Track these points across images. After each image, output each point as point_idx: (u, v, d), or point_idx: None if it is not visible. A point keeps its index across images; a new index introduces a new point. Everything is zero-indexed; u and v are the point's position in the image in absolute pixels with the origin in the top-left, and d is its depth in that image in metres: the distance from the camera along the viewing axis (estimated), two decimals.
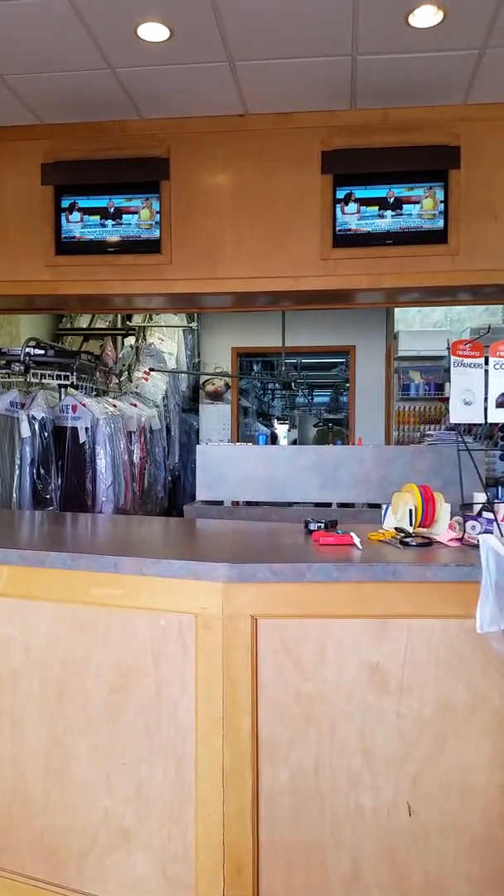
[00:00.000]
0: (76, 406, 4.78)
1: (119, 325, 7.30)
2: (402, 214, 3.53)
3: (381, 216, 3.54)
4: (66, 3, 2.75)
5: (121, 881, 2.03)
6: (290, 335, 7.54)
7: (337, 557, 1.96)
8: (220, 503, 4.80)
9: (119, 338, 7.30)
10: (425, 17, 2.83)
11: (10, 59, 3.15)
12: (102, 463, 4.82)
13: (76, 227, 3.74)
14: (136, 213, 3.70)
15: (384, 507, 2.40)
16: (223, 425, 8.53)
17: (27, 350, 4.73)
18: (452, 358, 2.19)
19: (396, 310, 7.28)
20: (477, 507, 2.24)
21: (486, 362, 2.18)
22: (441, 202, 3.50)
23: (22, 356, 4.70)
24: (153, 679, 1.99)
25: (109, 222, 3.72)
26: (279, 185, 3.64)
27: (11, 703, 2.13)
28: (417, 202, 3.52)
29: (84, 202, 3.73)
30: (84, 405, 4.80)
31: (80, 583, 2.03)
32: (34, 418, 4.55)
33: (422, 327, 7.36)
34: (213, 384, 8.49)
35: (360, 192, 3.55)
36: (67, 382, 4.97)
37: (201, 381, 8.49)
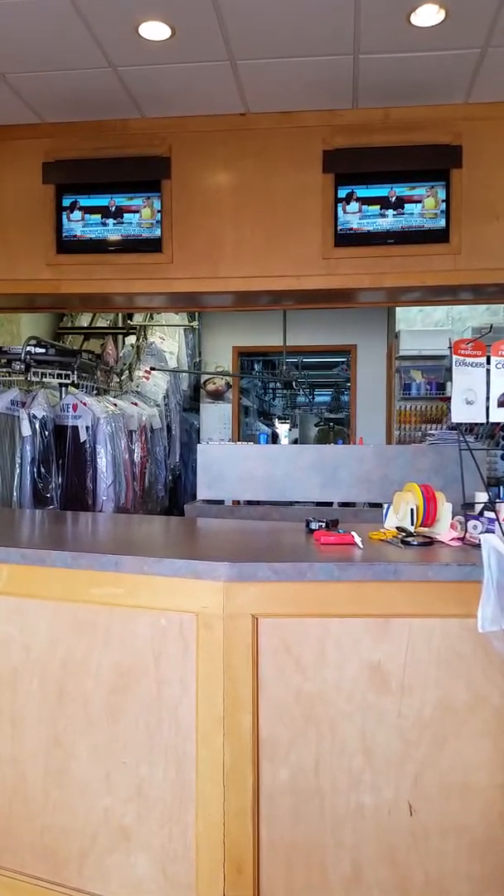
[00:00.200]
0: (77, 405, 4.78)
1: (120, 324, 7.30)
2: (403, 214, 3.52)
3: (383, 215, 3.54)
4: (67, 2, 2.75)
5: (121, 881, 2.03)
6: (292, 334, 7.53)
7: (338, 557, 1.95)
8: (221, 502, 4.80)
9: (120, 337, 7.30)
10: (427, 16, 2.82)
11: (12, 57, 3.15)
12: (103, 462, 4.82)
13: (77, 225, 3.74)
14: (137, 212, 3.69)
15: (385, 506, 2.40)
16: (224, 424, 8.53)
17: (28, 349, 4.73)
18: (454, 357, 2.19)
19: (398, 309, 7.28)
20: (478, 507, 2.24)
21: (488, 361, 2.18)
22: (443, 201, 3.50)
23: (23, 355, 4.70)
24: (154, 678, 1.98)
25: (110, 221, 3.71)
26: (280, 184, 3.64)
27: (11, 702, 2.13)
28: (419, 201, 3.51)
29: (85, 201, 3.72)
30: (85, 404, 4.80)
31: (81, 582, 2.03)
32: (35, 417, 4.55)
33: (423, 326, 7.35)
34: (214, 383, 8.49)
35: (361, 192, 3.55)
36: (68, 381, 4.97)
37: (202, 381, 8.48)
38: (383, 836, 1.90)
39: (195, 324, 7.99)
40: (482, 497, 2.30)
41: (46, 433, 4.61)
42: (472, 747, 1.88)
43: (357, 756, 1.91)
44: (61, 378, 4.94)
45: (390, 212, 3.53)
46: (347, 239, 3.57)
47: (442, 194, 3.50)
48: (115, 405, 5.31)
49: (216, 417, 8.56)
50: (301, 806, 1.92)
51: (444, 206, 3.50)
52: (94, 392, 5.41)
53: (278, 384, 11.59)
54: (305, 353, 9.20)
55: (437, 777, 1.89)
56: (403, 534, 2.19)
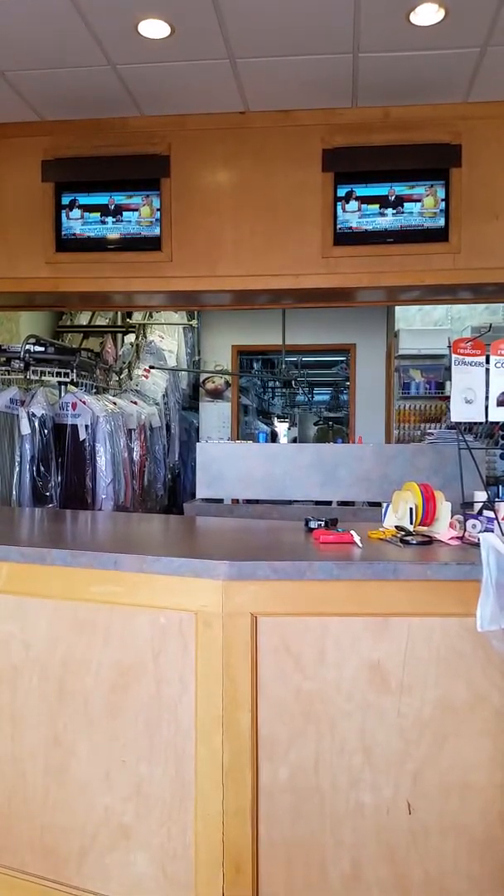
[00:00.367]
0: (76, 403, 4.77)
1: (119, 323, 7.29)
2: (403, 213, 3.52)
3: (382, 214, 3.53)
4: (66, 1, 2.75)
5: (121, 879, 2.03)
6: (291, 333, 7.53)
7: (337, 555, 1.95)
8: (220, 501, 4.80)
9: (119, 335, 7.29)
10: (427, 14, 2.82)
11: (11, 56, 3.14)
12: (102, 460, 4.82)
13: (76, 224, 3.73)
14: (136, 210, 3.69)
15: (384, 505, 2.40)
16: (223, 423, 8.53)
17: (27, 347, 4.73)
18: (453, 356, 2.19)
19: (397, 308, 7.28)
20: (477, 506, 2.24)
21: (487, 361, 2.18)
22: (442, 200, 3.50)
23: (22, 353, 4.70)
24: (153, 677, 1.98)
25: (110, 219, 3.71)
26: (280, 182, 3.64)
27: (11, 700, 2.13)
28: (418, 200, 3.51)
29: (84, 199, 3.72)
30: (84, 402, 4.80)
31: (81, 580, 2.03)
32: (34, 415, 4.54)
33: (422, 326, 7.36)
34: (214, 382, 8.48)
35: (361, 191, 3.54)
36: (67, 380, 4.96)
37: (201, 379, 8.48)
38: (383, 835, 1.91)
39: (194, 322, 7.99)
40: (481, 496, 2.30)
41: (46, 431, 4.61)
42: (472, 746, 1.89)
43: (356, 755, 1.91)
44: (60, 376, 4.94)
45: (390, 211, 3.53)
46: (347, 238, 3.56)
47: (441, 193, 3.50)
48: (115, 404, 5.30)
49: (215, 416, 8.55)
50: (300, 805, 1.92)
51: (443, 205, 3.50)
52: (94, 390, 5.41)
53: (277, 383, 11.58)
54: (304, 351, 9.20)
55: (436, 776, 1.89)
56: (402, 533, 2.19)
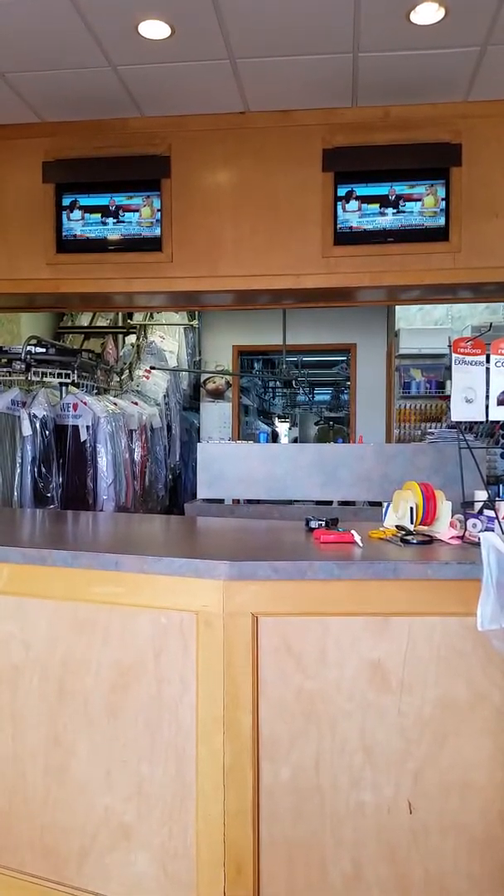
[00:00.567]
0: (77, 404, 4.77)
1: (120, 324, 7.30)
2: (403, 212, 3.52)
3: (383, 214, 3.53)
4: (66, 1, 2.75)
5: (121, 879, 2.03)
6: (291, 333, 7.53)
7: (338, 555, 1.95)
8: (221, 501, 4.81)
9: (120, 336, 7.30)
10: (427, 14, 2.82)
11: (11, 57, 3.14)
12: (103, 461, 4.82)
13: (77, 225, 3.74)
14: (136, 211, 3.69)
15: (385, 504, 2.40)
16: (224, 423, 8.53)
17: (28, 348, 4.73)
18: (454, 355, 2.19)
19: (397, 307, 7.27)
20: (478, 505, 2.24)
21: (488, 360, 2.18)
22: (442, 200, 3.50)
23: (23, 354, 4.70)
24: (154, 677, 1.98)
25: (110, 220, 3.71)
26: (280, 182, 3.64)
27: (12, 700, 2.13)
28: (419, 200, 3.51)
29: (85, 200, 3.72)
30: (85, 403, 4.80)
31: (81, 581, 2.03)
32: (35, 416, 4.55)
33: (423, 325, 7.35)
34: (214, 382, 8.48)
35: (361, 190, 3.54)
36: (68, 381, 4.96)
37: (202, 380, 8.48)
38: (383, 835, 1.91)
39: (195, 323, 7.99)
40: (482, 495, 2.30)
41: (47, 432, 4.61)
42: (472, 745, 1.89)
43: (357, 754, 1.91)
44: (62, 377, 4.94)
45: (390, 210, 3.53)
46: (347, 237, 3.56)
47: (441, 192, 3.50)
48: (116, 404, 5.30)
49: (216, 416, 8.56)
50: (301, 804, 1.92)
51: (443, 204, 3.50)
52: (95, 391, 5.41)
53: (278, 383, 11.58)
54: (305, 351, 9.20)
55: (437, 775, 1.89)
56: (403, 532, 2.19)
